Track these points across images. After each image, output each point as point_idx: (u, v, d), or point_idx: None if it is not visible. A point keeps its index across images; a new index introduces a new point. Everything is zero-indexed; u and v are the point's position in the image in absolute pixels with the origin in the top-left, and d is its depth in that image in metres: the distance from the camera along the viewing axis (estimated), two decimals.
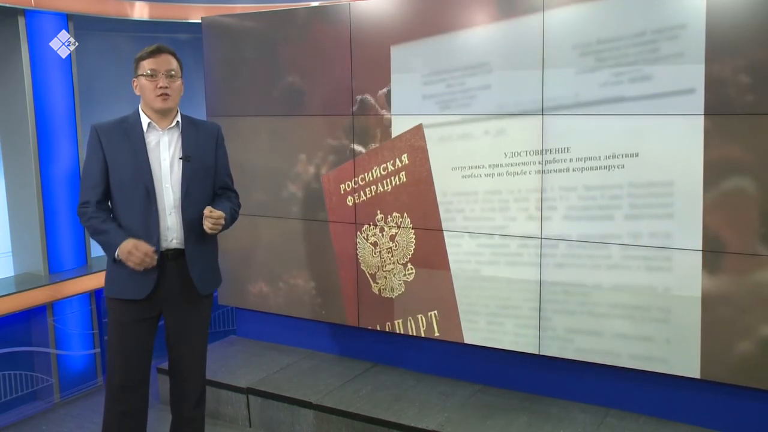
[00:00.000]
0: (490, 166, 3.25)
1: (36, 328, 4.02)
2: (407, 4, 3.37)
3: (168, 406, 2.94)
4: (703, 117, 2.78)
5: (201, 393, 2.88)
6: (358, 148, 3.61)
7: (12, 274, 4.13)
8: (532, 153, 3.14)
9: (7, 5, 3.69)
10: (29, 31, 3.85)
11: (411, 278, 3.55)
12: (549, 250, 3.16)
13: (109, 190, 2.68)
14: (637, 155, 2.93)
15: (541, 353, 3.26)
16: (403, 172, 3.49)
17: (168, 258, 2.68)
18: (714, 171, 2.79)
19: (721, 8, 2.70)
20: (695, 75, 2.77)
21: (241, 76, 3.94)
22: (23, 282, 3.94)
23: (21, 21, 3.80)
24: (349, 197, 3.68)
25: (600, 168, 3.00)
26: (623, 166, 2.95)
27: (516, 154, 3.18)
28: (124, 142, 2.66)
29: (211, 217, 2.64)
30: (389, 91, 3.47)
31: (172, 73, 2.68)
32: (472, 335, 3.42)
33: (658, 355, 3.00)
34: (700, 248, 2.85)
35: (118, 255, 2.58)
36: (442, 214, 3.40)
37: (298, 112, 3.78)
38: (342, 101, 3.62)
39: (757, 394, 2.88)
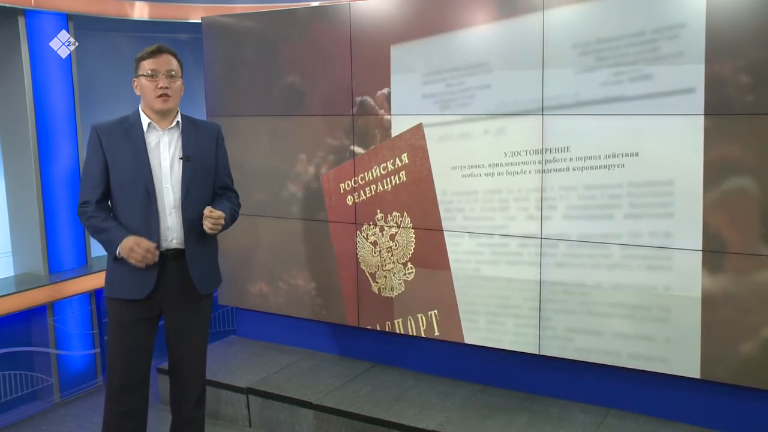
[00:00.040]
0: (490, 165, 3.25)
1: (36, 328, 4.02)
2: (407, 4, 3.37)
3: (168, 406, 2.94)
4: (703, 117, 2.78)
5: (201, 393, 2.87)
6: (358, 147, 3.61)
7: (12, 274, 4.13)
8: (532, 152, 3.14)
9: (7, 5, 3.69)
10: (29, 31, 3.85)
11: (411, 278, 3.55)
12: (549, 250, 3.16)
13: (109, 190, 2.68)
14: (637, 155, 2.93)
15: (541, 353, 3.26)
16: (403, 172, 3.49)
17: (168, 258, 2.68)
18: (714, 171, 2.79)
19: (721, 8, 2.70)
20: (695, 75, 2.77)
21: (241, 76, 3.94)
22: (23, 282, 3.94)
23: (21, 21, 3.80)
24: (349, 196, 3.68)
25: (600, 167, 3.00)
26: (623, 166, 2.96)
27: (516, 153, 3.18)
28: (125, 142, 2.66)
29: (211, 217, 2.64)
30: (389, 93, 3.47)
31: (173, 73, 2.68)
32: (472, 335, 3.42)
33: (658, 355, 3.00)
34: (700, 248, 2.85)
35: (119, 253, 2.58)
36: (442, 214, 3.40)
37: (298, 112, 3.78)
38: (342, 101, 3.62)
39: (757, 395, 2.88)
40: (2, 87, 3.97)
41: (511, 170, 3.20)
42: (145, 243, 2.55)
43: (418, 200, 3.46)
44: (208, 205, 2.71)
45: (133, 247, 2.54)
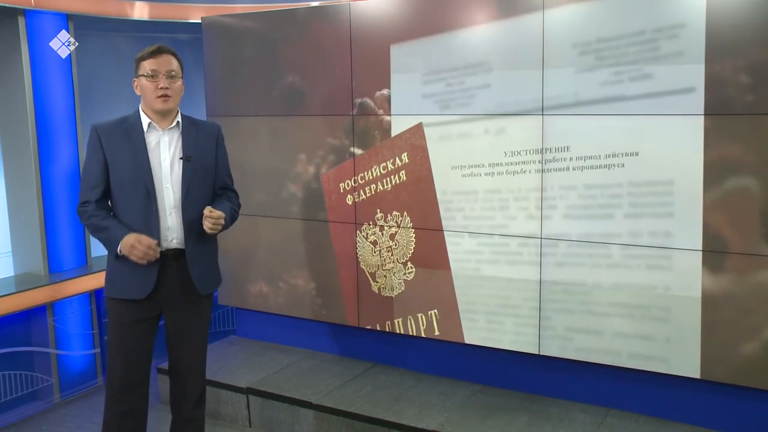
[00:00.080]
0: (490, 165, 3.25)
1: (36, 328, 4.02)
2: (407, 3, 3.37)
3: (168, 406, 2.94)
4: (703, 117, 2.78)
5: (201, 393, 2.87)
6: (358, 147, 3.61)
7: (12, 274, 4.13)
8: (532, 152, 3.14)
9: (7, 5, 3.69)
10: (29, 31, 3.85)
11: (411, 277, 3.55)
12: (549, 249, 3.16)
13: (109, 190, 2.68)
14: (637, 154, 2.93)
15: (541, 352, 3.26)
16: (403, 171, 3.49)
17: (168, 258, 2.68)
18: (714, 171, 2.79)
19: (721, 8, 2.70)
20: (695, 74, 2.77)
21: (241, 76, 3.94)
22: (23, 282, 3.93)
23: (21, 21, 3.80)
24: (349, 196, 3.68)
25: (600, 167, 3.00)
26: (623, 165, 2.96)
27: (516, 153, 3.18)
28: (125, 142, 2.66)
29: (211, 217, 2.64)
30: (389, 94, 3.47)
31: (173, 73, 2.68)
32: (472, 334, 3.42)
33: (658, 355, 3.00)
34: (700, 248, 2.85)
35: (120, 250, 2.58)
36: (442, 213, 3.40)
37: (298, 112, 3.78)
38: (342, 101, 3.62)
39: (757, 395, 2.88)
40: (2, 87, 3.97)
41: (511, 170, 3.20)
42: (146, 240, 2.55)
43: (418, 200, 3.46)
44: (208, 205, 2.71)
45: (135, 244, 2.54)
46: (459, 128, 3.31)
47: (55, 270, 4.07)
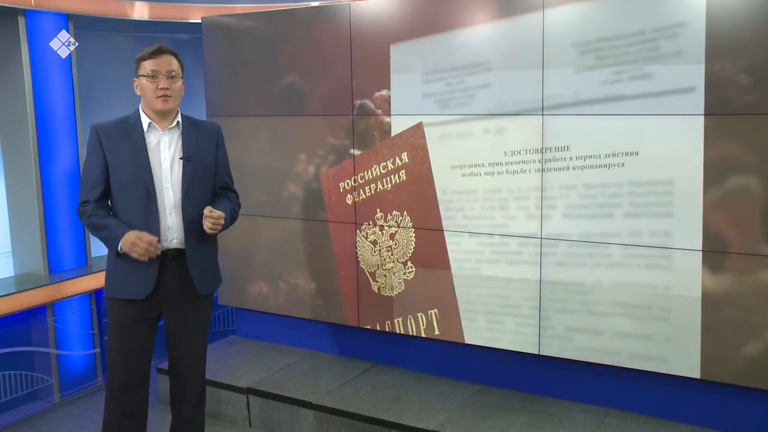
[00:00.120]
0: (490, 164, 3.25)
1: (36, 328, 4.02)
2: (407, 3, 3.37)
3: (168, 406, 2.94)
4: (703, 117, 2.78)
5: (201, 393, 2.87)
6: (359, 147, 3.61)
7: (12, 274, 4.13)
8: (531, 151, 3.14)
9: (7, 5, 3.69)
10: (29, 31, 3.85)
11: (411, 277, 3.55)
12: (549, 249, 3.16)
13: (109, 190, 2.68)
14: (637, 154, 2.93)
15: (541, 352, 3.26)
16: (403, 171, 3.49)
17: (168, 258, 2.68)
18: (714, 170, 2.79)
19: (721, 7, 2.70)
20: (695, 74, 2.77)
21: (241, 76, 3.94)
22: (23, 282, 3.93)
23: (21, 21, 3.80)
24: (349, 195, 3.68)
25: (600, 166, 3.00)
26: (623, 165, 2.96)
27: (516, 152, 3.18)
28: (125, 142, 2.66)
29: (211, 216, 2.64)
30: (388, 95, 3.47)
31: (173, 73, 2.68)
32: (472, 334, 3.42)
33: (658, 354, 3.00)
34: (700, 248, 2.85)
35: (121, 248, 2.58)
36: (442, 213, 3.40)
37: (298, 112, 3.78)
38: (342, 101, 3.62)
39: (757, 395, 2.88)
40: (2, 87, 3.97)
41: (511, 169, 3.20)
42: (147, 236, 2.55)
43: (418, 199, 3.46)
44: (208, 205, 2.71)
45: (135, 241, 2.54)
46: (459, 128, 3.31)
47: (55, 270, 4.07)
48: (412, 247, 3.53)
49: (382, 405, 3.34)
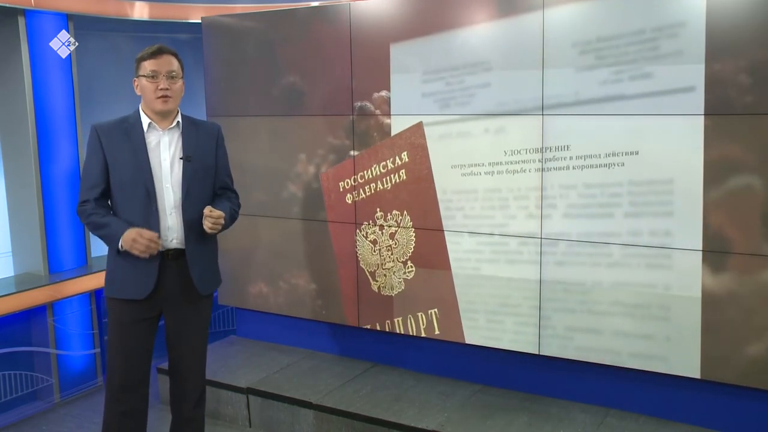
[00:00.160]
0: (490, 164, 3.25)
1: (36, 328, 4.02)
2: (407, 3, 3.37)
3: (168, 406, 2.94)
4: (703, 116, 2.78)
5: (201, 393, 2.87)
6: (358, 146, 3.61)
7: (12, 274, 4.13)
8: (531, 151, 3.14)
9: (7, 5, 3.69)
10: (29, 31, 3.85)
11: (411, 276, 3.55)
12: (549, 248, 3.16)
13: (109, 190, 2.68)
14: (637, 153, 2.93)
15: (541, 352, 3.26)
16: (403, 170, 3.49)
17: (168, 258, 2.68)
18: (714, 170, 2.79)
19: (721, 7, 2.69)
20: (695, 74, 2.77)
21: (241, 76, 3.94)
22: (23, 282, 3.93)
23: (21, 21, 3.80)
24: (348, 195, 3.68)
25: (600, 166, 3.00)
26: (623, 165, 2.96)
27: (516, 152, 3.18)
28: (125, 142, 2.66)
29: (211, 216, 2.64)
30: (388, 96, 3.47)
31: (173, 74, 2.67)
32: (472, 333, 3.42)
33: (658, 354, 3.00)
34: (700, 248, 2.85)
35: (122, 246, 2.58)
36: (442, 212, 3.40)
37: (298, 112, 3.78)
38: (342, 101, 3.62)
39: (757, 395, 2.88)
40: (2, 87, 3.97)
41: (511, 169, 3.20)
42: (148, 233, 2.55)
43: (418, 199, 3.46)
44: (208, 205, 2.71)
45: (136, 238, 2.54)
46: (459, 127, 3.31)
47: (55, 270, 4.07)
48: (412, 247, 3.52)
49: (382, 405, 3.33)
